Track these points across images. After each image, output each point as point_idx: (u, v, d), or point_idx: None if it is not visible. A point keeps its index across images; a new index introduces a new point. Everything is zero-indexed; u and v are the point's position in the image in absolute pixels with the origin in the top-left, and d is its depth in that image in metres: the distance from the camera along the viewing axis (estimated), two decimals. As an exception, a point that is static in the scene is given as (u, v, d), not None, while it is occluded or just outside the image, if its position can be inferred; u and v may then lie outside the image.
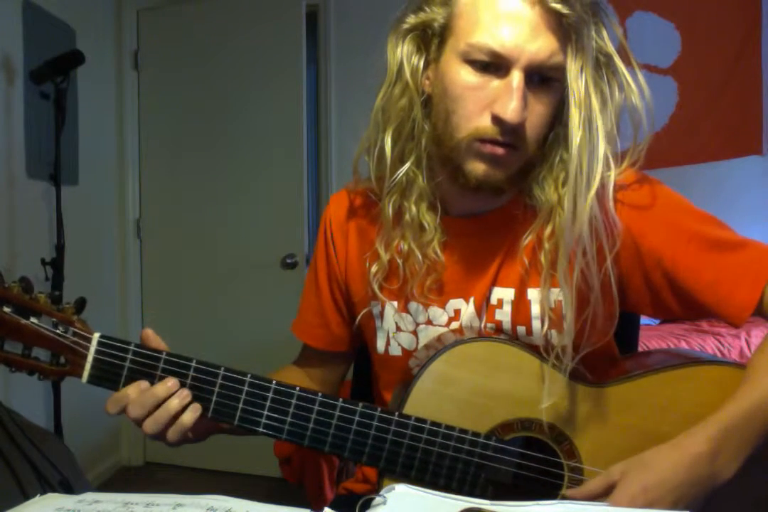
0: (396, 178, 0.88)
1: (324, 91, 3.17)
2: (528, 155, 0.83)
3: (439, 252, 0.90)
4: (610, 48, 0.82)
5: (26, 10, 2.46)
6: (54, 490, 1.13)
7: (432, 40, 0.85)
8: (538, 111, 0.81)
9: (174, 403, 0.78)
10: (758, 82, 3.18)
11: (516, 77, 0.77)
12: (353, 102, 2.97)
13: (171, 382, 0.78)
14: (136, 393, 0.77)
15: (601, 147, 0.79)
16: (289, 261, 2.95)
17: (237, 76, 3.02)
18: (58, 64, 2.25)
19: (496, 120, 0.79)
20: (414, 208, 0.89)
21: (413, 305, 0.93)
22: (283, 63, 2.93)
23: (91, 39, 2.88)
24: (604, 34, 0.82)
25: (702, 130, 3.18)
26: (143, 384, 0.78)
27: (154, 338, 0.82)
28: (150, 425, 0.78)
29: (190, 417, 0.78)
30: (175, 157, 3.16)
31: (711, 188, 3.12)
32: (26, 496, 0.98)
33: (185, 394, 0.78)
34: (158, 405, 0.78)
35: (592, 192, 0.79)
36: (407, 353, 0.94)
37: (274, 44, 2.94)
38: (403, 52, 0.86)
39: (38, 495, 0.64)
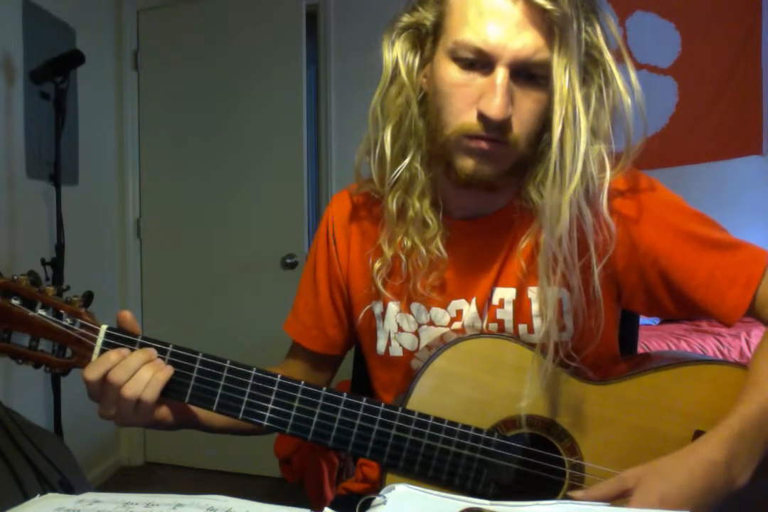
0: (397, 172, 0.89)
1: (324, 91, 3.17)
2: (518, 152, 0.83)
3: (442, 248, 0.90)
4: (602, 44, 0.81)
5: (26, 10, 2.46)
6: (54, 490, 1.13)
7: (426, 38, 0.86)
8: (527, 107, 0.80)
9: (149, 368, 0.78)
10: (758, 82, 3.18)
11: (500, 74, 0.78)
12: (353, 102, 2.96)
13: (150, 349, 0.80)
14: (118, 357, 0.78)
15: (583, 144, 0.78)
16: (289, 261, 2.95)
17: (237, 76, 3.02)
18: (58, 64, 2.26)
19: (481, 116, 0.79)
20: (417, 204, 0.89)
21: (415, 305, 0.93)
22: (283, 63, 2.93)
23: (91, 39, 2.88)
24: (598, 30, 0.81)
25: (702, 130, 3.18)
26: (124, 350, 0.79)
27: (131, 322, 0.82)
28: (132, 386, 0.77)
29: (164, 374, 0.79)
30: (175, 156, 3.16)
31: (711, 188, 3.12)
32: (26, 496, 0.98)
33: (159, 361, 0.80)
34: (138, 369, 0.78)
35: (571, 189, 0.79)
36: (408, 354, 0.95)
37: (274, 44, 2.94)
38: (398, 51, 0.86)
39: (38, 495, 0.65)
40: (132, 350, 0.79)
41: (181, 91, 3.13)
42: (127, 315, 0.82)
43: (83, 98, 2.83)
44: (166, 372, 0.79)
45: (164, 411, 0.84)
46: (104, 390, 0.79)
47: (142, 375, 0.78)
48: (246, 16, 2.99)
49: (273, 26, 2.94)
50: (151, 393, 0.78)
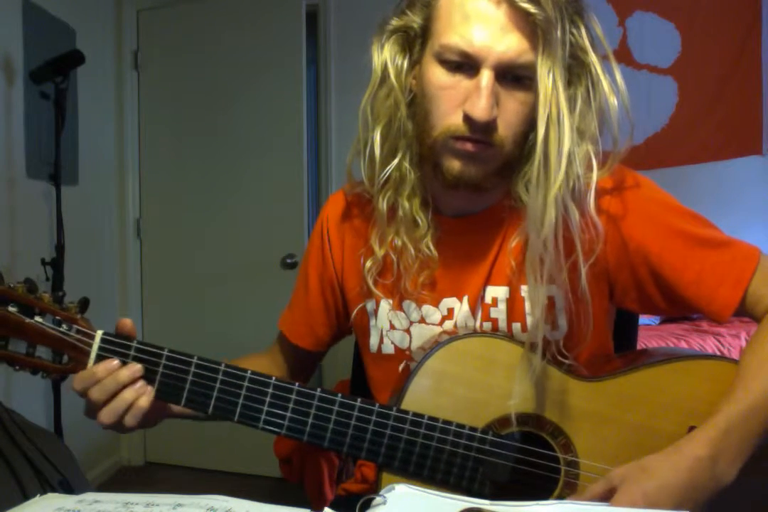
0: (387, 172, 0.90)
1: (324, 91, 3.17)
2: (505, 153, 0.83)
3: (432, 247, 0.91)
4: (587, 46, 0.82)
5: (26, 10, 2.46)
6: (54, 490, 1.13)
7: (415, 41, 0.88)
8: (512, 109, 0.81)
9: (129, 394, 0.78)
10: (758, 82, 3.18)
11: (485, 76, 0.79)
12: (353, 102, 2.96)
13: (136, 367, 0.79)
14: (104, 372, 0.78)
15: (567, 145, 0.79)
16: (289, 261, 2.95)
17: (237, 76, 3.02)
18: (58, 64, 2.26)
19: (467, 118, 0.80)
20: (407, 204, 0.90)
21: (407, 303, 0.94)
22: (283, 63, 2.93)
23: (91, 39, 2.88)
24: (583, 32, 0.82)
25: (702, 130, 3.19)
26: (113, 364, 0.78)
27: (130, 329, 0.82)
28: (106, 415, 0.78)
29: (145, 400, 0.79)
30: (175, 156, 3.16)
31: (711, 188, 3.12)
32: (26, 496, 0.99)
33: (140, 384, 0.79)
34: (117, 392, 0.78)
35: (556, 189, 0.79)
36: (400, 351, 0.95)
37: (274, 44, 2.94)
38: (387, 54, 0.88)
39: (38, 495, 0.65)
40: (126, 358, 0.79)
41: (182, 91, 3.12)
42: (127, 322, 0.82)
43: (83, 98, 2.83)
44: (147, 397, 0.79)
45: (153, 416, 0.84)
46: (88, 403, 0.79)
47: (122, 398, 0.77)
48: (246, 16, 2.99)
49: (273, 26, 2.94)
50: (131, 421, 0.78)
